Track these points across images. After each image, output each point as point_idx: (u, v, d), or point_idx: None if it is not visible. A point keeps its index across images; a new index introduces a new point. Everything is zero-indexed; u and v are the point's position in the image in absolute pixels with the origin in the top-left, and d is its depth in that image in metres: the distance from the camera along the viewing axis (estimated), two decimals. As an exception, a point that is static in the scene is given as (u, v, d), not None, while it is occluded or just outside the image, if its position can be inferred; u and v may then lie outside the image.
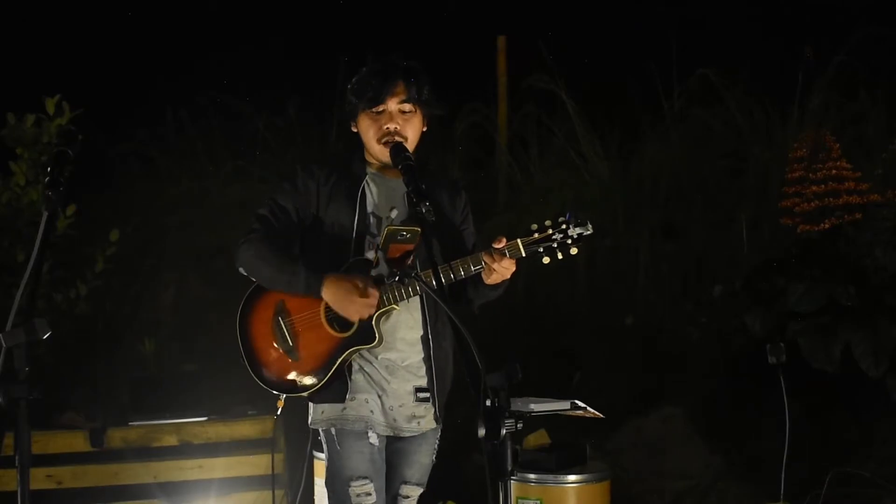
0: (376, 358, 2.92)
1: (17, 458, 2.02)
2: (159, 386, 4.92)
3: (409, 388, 2.95)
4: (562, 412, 3.92)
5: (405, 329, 2.95)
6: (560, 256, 2.77)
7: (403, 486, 3.00)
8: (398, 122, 2.90)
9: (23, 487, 2.03)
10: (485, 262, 2.78)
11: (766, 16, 7.99)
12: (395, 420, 2.94)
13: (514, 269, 2.82)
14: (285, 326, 2.90)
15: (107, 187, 6.78)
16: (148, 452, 4.74)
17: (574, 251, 2.76)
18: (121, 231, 5.60)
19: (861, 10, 7.07)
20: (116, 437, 4.71)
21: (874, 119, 6.73)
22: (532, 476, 4.07)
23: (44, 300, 5.28)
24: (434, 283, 2.68)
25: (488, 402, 2.23)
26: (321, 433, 2.95)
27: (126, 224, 6.10)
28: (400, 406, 2.94)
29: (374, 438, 2.91)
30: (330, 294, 2.81)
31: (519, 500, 4.07)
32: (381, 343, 2.88)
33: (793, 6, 7.71)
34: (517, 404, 3.82)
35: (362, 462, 2.89)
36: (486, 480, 2.24)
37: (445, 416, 3.04)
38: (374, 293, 2.80)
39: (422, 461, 3.03)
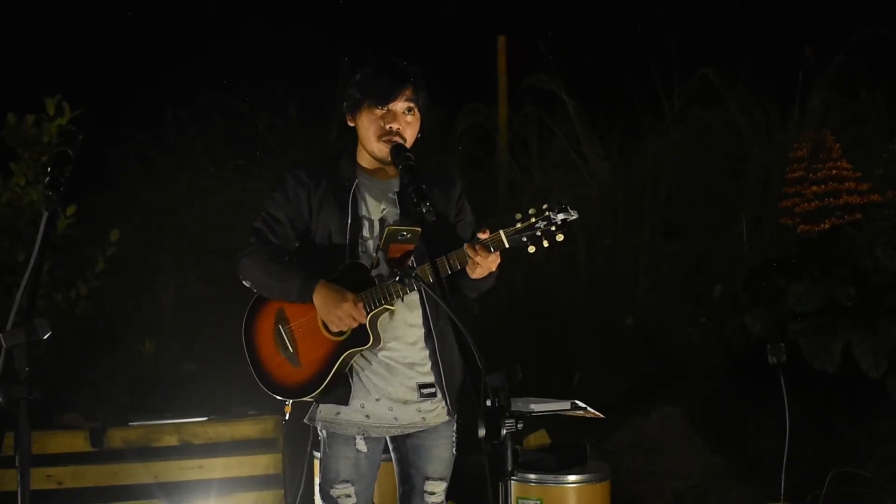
0: (377, 357, 2.94)
1: (17, 458, 2.02)
2: (159, 386, 4.92)
3: (413, 384, 2.95)
4: (562, 412, 3.92)
5: (405, 327, 2.95)
6: (546, 244, 2.72)
7: (427, 482, 3.01)
8: (401, 123, 2.92)
9: (23, 487, 2.03)
10: (468, 256, 2.77)
11: (766, 16, 7.99)
12: (396, 419, 2.95)
13: (499, 261, 2.80)
14: (285, 334, 2.96)
15: (107, 187, 6.78)
16: (148, 452, 4.74)
17: (560, 237, 2.71)
18: (121, 231, 5.60)
19: (861, 10, 7.07)
20: (116, 437, 4.71)
21: (874, 119, 6.73)
22: (532, 476, 4.07)
23: (44, 300, 5.27)
24: (433, 281, 2.69)
25: (488, 403, 2.23)
26: (319, 431, 3.02)
27: (126, 224, 6.09)
28: (404, 404, 2.95)
29: (361, 445, 2.94)
30: (318, 301, 2.86)
31: (519, 500, 4.07)
32: (377, 344, 2.89)
33: (793, 6, 7.71)
34: (517, 404, 3.82)
35: (346, 466, 2.95)
36: (487, 480, 2.24)
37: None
38: (360, 309, 2.82)
39: (441, 455, 3.03)
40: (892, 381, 4.62)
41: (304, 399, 2.97)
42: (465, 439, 2.98)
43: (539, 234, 2.72)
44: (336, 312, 2.82)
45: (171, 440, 4.77)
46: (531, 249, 2.74)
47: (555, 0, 8.64)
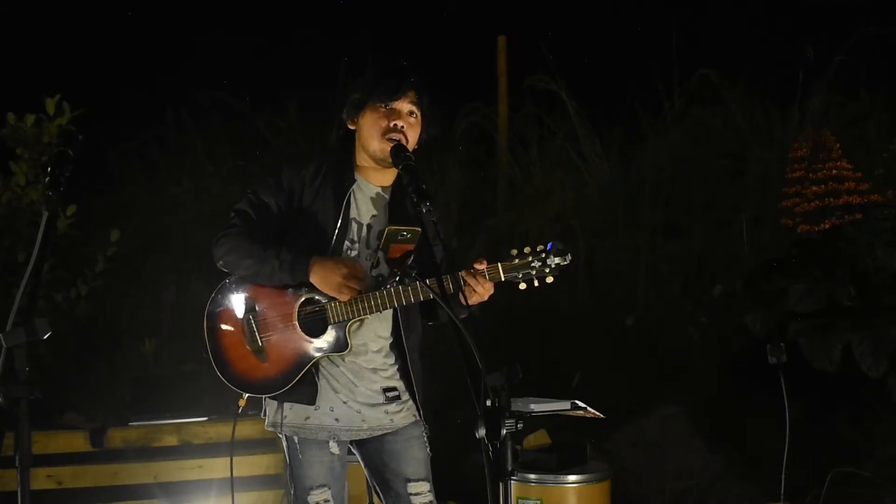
0: (343, 361, 2.92)
1: (17, 458, 2.02)
2: (159, 386, 4.91)
3: (377, 388, 2.95)
4: (562, 412, 3.92)
5: (373, 337, 2.95)
6: (536, 284, 2.78)
7: (409, 484, 2.98)
8: (405, 122, 2.90)
9: (23, 487, 2.03)
10: (466, 283, 2.78)
11: (766, 16, 7.99)
12: (364, 421, 2.94)
13: (492, 291, 2.83)
14: (256, 326, 2.91)
15: (107, 187, 6.78)
16: (148, 452, 4.74)
17: (550, 280, 2.78)
18: (121, 231, 5.60)
19: (861, 10, 7.07)
20: (116, 437, 4.71)
21: (875, 119, 6.73)
22: (532, 476, 4.08)
23: (44, 300, 5.27)
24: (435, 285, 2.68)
25: (488, 403, 2.23)
26: (283, 438, 2.95)
27: (126, 224, 6.09)
28: (371, 406, 2.94)
29: (334, 448, 2.92)
30: (319, 271, 2.80)
31: (519, 500, 4.08)
32: (350, 351, 2.88)
33: (793, 6, 7.71)
34: (517, 404, 3.83)
35: (322, 471, 2.91)
36: (487, 480, 2.24)
37: (445, 417, 3.04)
38: (362, 271, 2.80)
39: (416, 456, 3.01)
40: (893, 381, 4.62)
41: (266, 396, 2.92)
42: (465, 439, 2.97)
43: (533, 273, 2.77)
44: (335, 279, 2.78)
45: (171, 440, 4.77)
46: (522, 286, 2.79)
47: (555, 0, 8.64)
